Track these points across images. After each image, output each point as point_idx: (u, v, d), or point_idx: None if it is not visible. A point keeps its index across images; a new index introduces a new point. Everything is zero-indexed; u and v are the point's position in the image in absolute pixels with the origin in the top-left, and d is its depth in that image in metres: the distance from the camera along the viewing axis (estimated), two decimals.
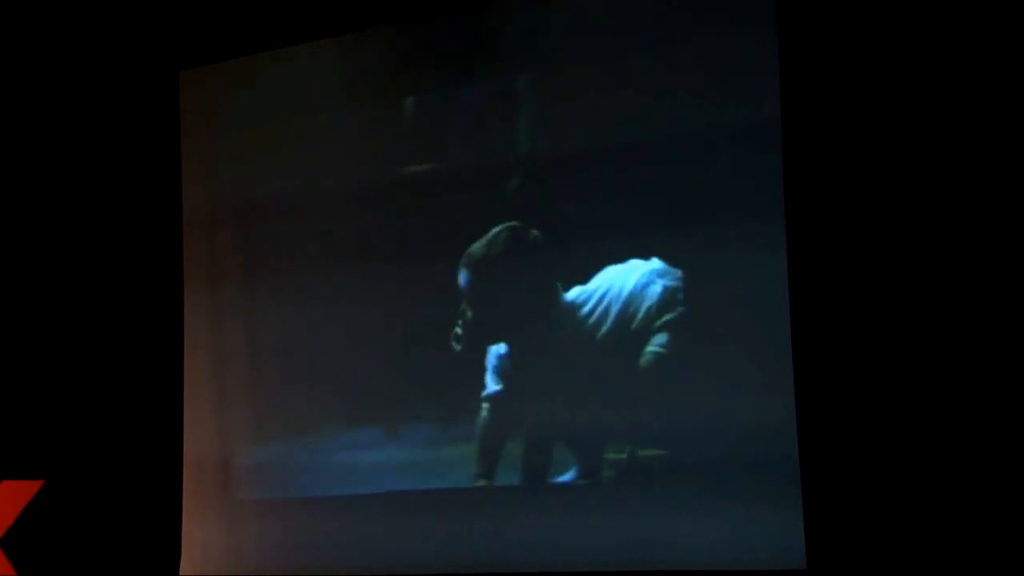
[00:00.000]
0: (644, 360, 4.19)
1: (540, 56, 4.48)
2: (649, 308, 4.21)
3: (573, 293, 4.33)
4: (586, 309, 4.31)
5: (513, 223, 4.47)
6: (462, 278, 4.53)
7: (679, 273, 4.18)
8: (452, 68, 4.63)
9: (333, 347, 4.75)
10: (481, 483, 4.45)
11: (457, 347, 4.52)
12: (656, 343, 4.19)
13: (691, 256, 4.17)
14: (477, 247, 4.51)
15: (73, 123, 5.18)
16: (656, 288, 4.21)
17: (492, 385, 4.45)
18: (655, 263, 4.22)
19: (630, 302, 4.24)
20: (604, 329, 4.27)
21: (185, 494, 4.96)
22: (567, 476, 4.31)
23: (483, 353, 4.47)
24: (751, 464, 4.00)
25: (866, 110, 3.94)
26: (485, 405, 4.46)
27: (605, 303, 4.28)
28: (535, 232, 4.43)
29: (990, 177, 3.79)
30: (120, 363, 5.05)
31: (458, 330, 4.53)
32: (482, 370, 4.47)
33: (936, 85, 3.86)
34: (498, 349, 4.45)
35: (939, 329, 3.80)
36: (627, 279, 4.25)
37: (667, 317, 4.18)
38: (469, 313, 4.52)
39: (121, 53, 5.11)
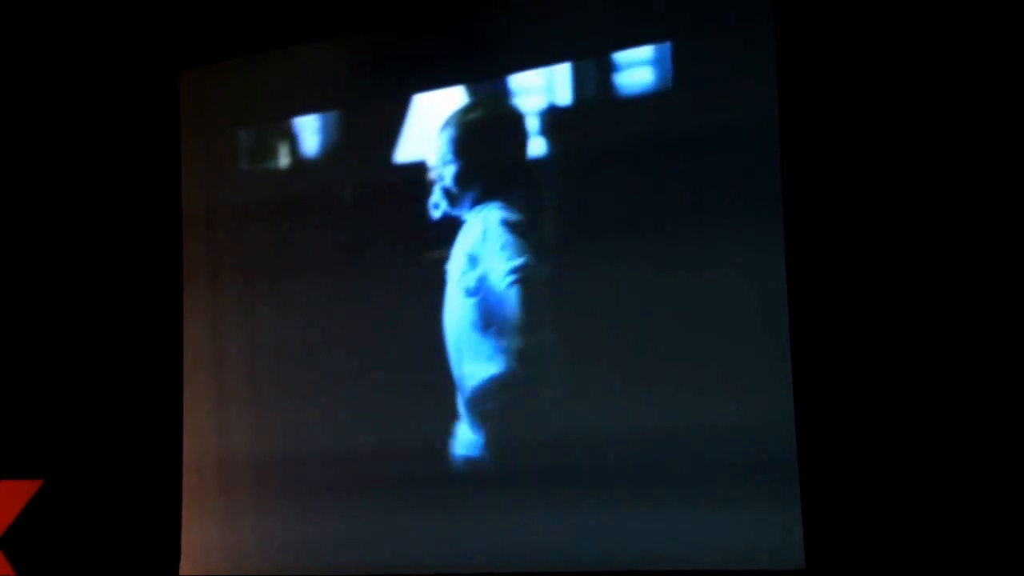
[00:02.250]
0: (642, 359, 4.19)
1: (539, 56, 4.48)
2: (648, 307, 4.20)
3: (570, 292, 4.34)
4: (582, 309, 4.32)
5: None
6: (439, 141, 4.58)
7: (678, 272, 4.18)
8: (452, 68, 4.63)
9: (333, 347, 4.75)
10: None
11: (436, 213, 4.53)
12: (654, 341, 4.19)
13: (689, 256, 4.16)
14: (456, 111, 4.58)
15: (73, 123, 5.18)
16: (654, 287, 4.21)
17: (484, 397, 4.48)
18: (652, 263, 4.22)
19: (627, 300, 4.24)
20: (600, 328, 4.27)
21: (185, 494, 4.96)
22: (565, 476, 4.30)
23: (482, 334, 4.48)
24: (750, 464, 3.99)
25: (865, 110, 3.94)
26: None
27: (601, 302, 4.29)
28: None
29: (990, 177, 3.79)
30: (120, 363, 5.05)
31: (434, 197, 4.56)
32: (483, 367, 4.48)
33: (935, 85, 3.86)
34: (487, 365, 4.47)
35: (938, 329, 3.80)
36: (624, 277, 4.26)
37: (666, 316, 4.18)
38: (447, 175, 4.54)
39: (121, 53, 5.11)
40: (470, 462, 4.48)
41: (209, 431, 4.94)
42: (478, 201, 4.51)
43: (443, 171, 4.57)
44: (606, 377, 4.25)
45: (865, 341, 3.88)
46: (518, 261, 4.40)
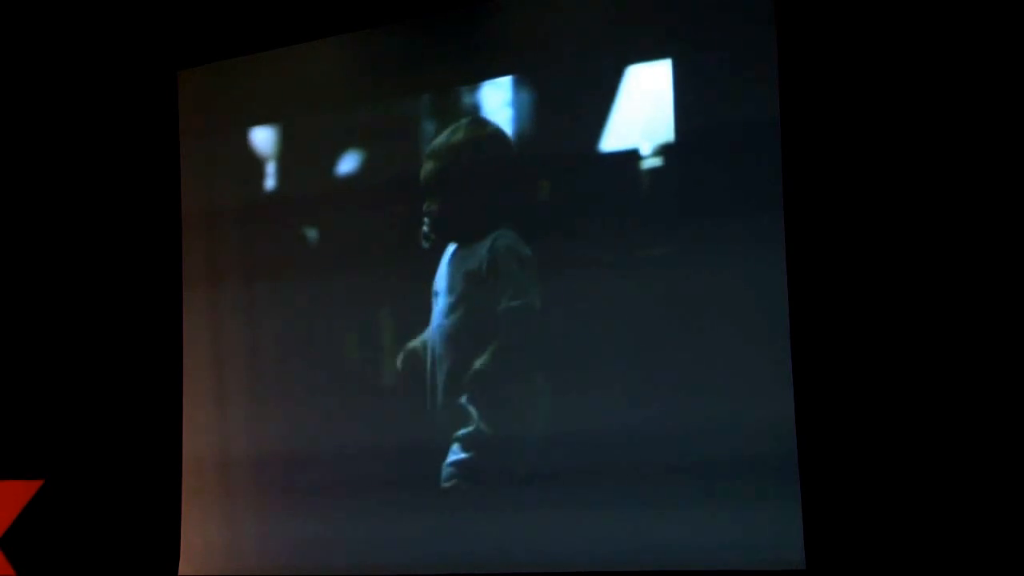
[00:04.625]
0: (642, 358, 4.19)
1: (540, 56, 4.48)
2: (648, 306, 4.21)
3: (570, 290, 4.34)
4: (581, 308, 4.32)
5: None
6: (424, 172, 4.59)
7: (678, 272, 4.18)
8: (453, 68, 4.63)
9: (333, 347, 4.76)
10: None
11: (426, 245, 4.55)
12: (654, 341, 4.19)
13: (690, 255, 4.16)
14: (438, 140, 4.58)
15: (72, 123, 5.18)
16: (654, 286, 4.21)
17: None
18: (652, 262, 4.22)
19: (627, 300, 4.24)
20: (600, 327, 4.27)
21: (184, 494, 4.96)
22: (565, 476, 4.30)
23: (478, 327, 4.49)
24: (750, 463, 4.00)
25: (865, 110, 3.94)
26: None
27: (601, 301, 4.29)
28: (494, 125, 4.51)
29: (989, 176, 3.79)
30: (119, 362, 5.04)
31: (425, 228, 4.56)
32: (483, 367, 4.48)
33: (935, 84, 3.86)
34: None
35: (939, 327, 3.81)
36: (624, 276, 4.26)
37: (666, 316, 4.18)
38: (435, 207, 4.54)
39: (120, 53, 5.11)
40: (470, 462, 4.48)
41: (209, 431, 4.94)
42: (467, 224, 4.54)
43: (430, 205, 4.58)
44: (606, 376, 4.25)
45: (865, 340, 3.88)
46: (522, 250, 4.42)
